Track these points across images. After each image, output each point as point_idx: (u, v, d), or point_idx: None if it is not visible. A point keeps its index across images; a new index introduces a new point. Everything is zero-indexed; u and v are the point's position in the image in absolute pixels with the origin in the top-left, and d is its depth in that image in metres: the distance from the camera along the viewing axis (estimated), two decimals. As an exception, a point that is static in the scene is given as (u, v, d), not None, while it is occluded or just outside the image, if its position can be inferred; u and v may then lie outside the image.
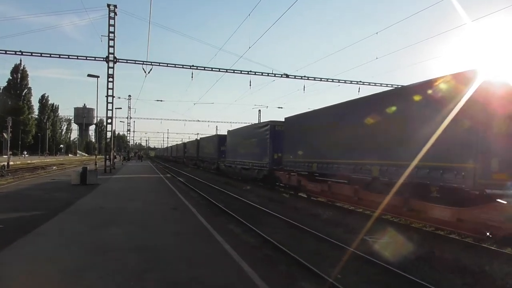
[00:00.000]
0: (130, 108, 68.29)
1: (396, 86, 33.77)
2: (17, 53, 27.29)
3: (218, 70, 30.89)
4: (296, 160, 16.78)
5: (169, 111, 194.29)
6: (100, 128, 74.75)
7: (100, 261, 5.90)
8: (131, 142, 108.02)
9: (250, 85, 31.65)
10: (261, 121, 22.30)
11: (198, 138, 54.17)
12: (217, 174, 32.82)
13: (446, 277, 6.13)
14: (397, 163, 9.96)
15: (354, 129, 12.26)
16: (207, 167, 38.99)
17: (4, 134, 43.15)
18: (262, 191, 19.61)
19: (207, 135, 52.19)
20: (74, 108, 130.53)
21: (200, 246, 7.19)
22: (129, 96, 69.02)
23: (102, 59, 28.10)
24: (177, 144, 79.14)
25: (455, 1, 14.37)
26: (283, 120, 19.44)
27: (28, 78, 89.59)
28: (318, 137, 14.98)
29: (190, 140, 69.96)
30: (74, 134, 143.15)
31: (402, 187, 9.52)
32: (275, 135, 20.02)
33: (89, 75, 27.42)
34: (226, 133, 33.55)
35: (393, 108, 10.45)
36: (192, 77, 30.91)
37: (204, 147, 40.93)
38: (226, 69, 31.03)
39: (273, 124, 20.55)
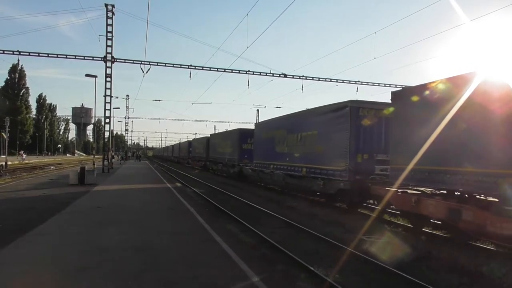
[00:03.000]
0: (128, 108, 68.27)
1: (394, 86, 34.05)
2: (14, 53, 27.27)
3: (216, 69, 30.96)
4: (437, 169, 8.54)
5: (167, 111, 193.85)
6: (98, 128, 74.35)
7: (98, 262, 5.91)
8: (129, 142, 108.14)
9: (248, 85, 31.63)
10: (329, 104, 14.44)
11: (202, 137, 46.93)
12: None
13: (443, 277, 6.15)
14: None
15: None
16: (223, 171, 31.41)
17: (3, 134, 43.01)
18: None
19: (220, 131, 45.77)
20: (72, 108, 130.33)
21: None
22: (127, 96, 69.03)
23: (100, 59, 28.15)
24: (179, 143, 70.58)
25: (453, 1, 14.41)
26: (366, 99, 12.11)
27: (26, 78, 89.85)
28: None
29: (196, 137, 63.76)
30: (72, 134, 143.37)
31: None
32: (359, 124, 12.57)
33: (86, 75, 27.54)
34: (238, 129, 28.84)
35: None
36: (190, 77, 30.93)
37: (218, 146, 33.35)
38: (224, 69, 31.11)
39: (355, 106, 12.65)
